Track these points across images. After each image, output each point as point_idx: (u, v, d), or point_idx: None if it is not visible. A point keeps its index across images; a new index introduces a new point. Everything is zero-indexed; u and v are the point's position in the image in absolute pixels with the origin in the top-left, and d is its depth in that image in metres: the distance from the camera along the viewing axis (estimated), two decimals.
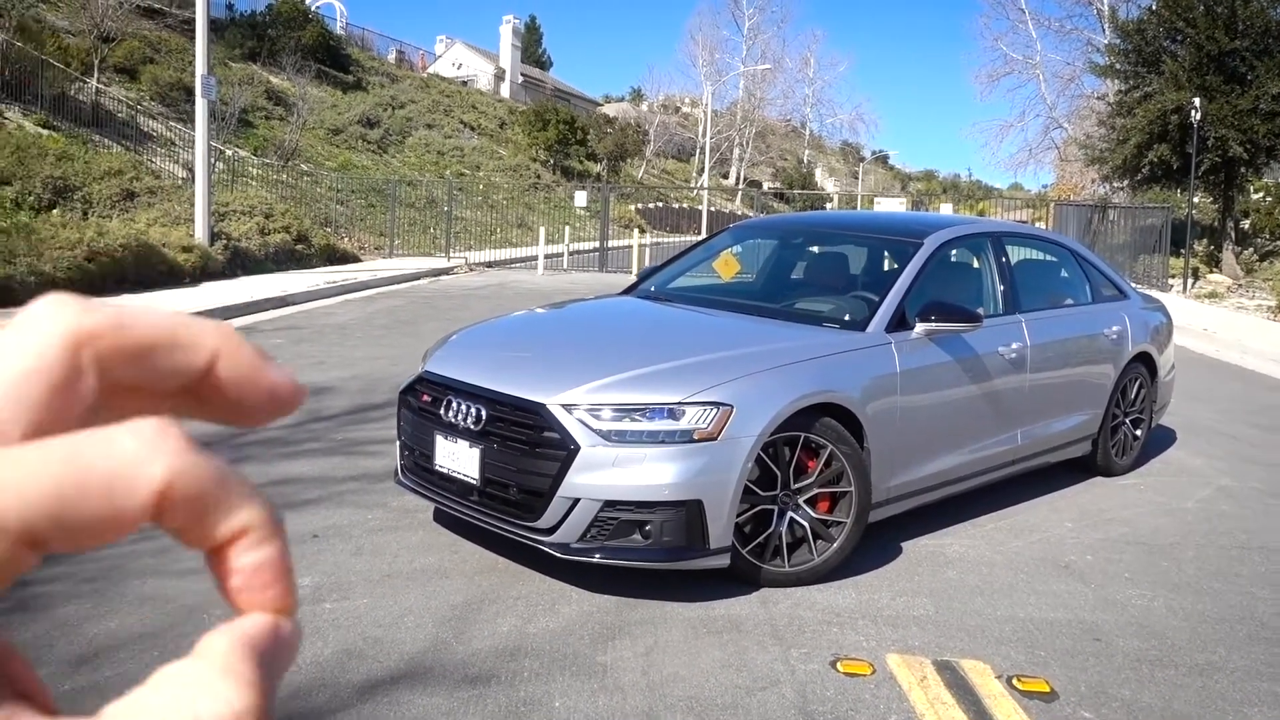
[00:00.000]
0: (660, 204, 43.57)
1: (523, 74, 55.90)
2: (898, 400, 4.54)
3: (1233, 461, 6.74)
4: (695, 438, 3.85)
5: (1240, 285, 23.05)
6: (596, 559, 3.87)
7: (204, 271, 15.15)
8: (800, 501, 4.16)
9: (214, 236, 16.25)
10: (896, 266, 5.23)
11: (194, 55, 16.55)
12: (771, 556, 4.11)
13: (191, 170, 18.81)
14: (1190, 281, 22.86)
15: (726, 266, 6.65)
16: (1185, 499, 5.79)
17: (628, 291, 5.98)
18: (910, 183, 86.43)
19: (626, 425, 3.87)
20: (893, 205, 27.87)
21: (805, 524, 4.16)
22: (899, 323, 4.75)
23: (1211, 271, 24.95)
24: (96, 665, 3.18)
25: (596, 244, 25.48)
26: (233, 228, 17.46)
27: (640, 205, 41.47)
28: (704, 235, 23.51)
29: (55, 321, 0.27)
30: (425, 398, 4.44)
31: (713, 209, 43.75)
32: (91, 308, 0.27)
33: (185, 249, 14.94)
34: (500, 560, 4.28)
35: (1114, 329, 6.15)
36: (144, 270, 13.60)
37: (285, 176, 25.14)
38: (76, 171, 17.04)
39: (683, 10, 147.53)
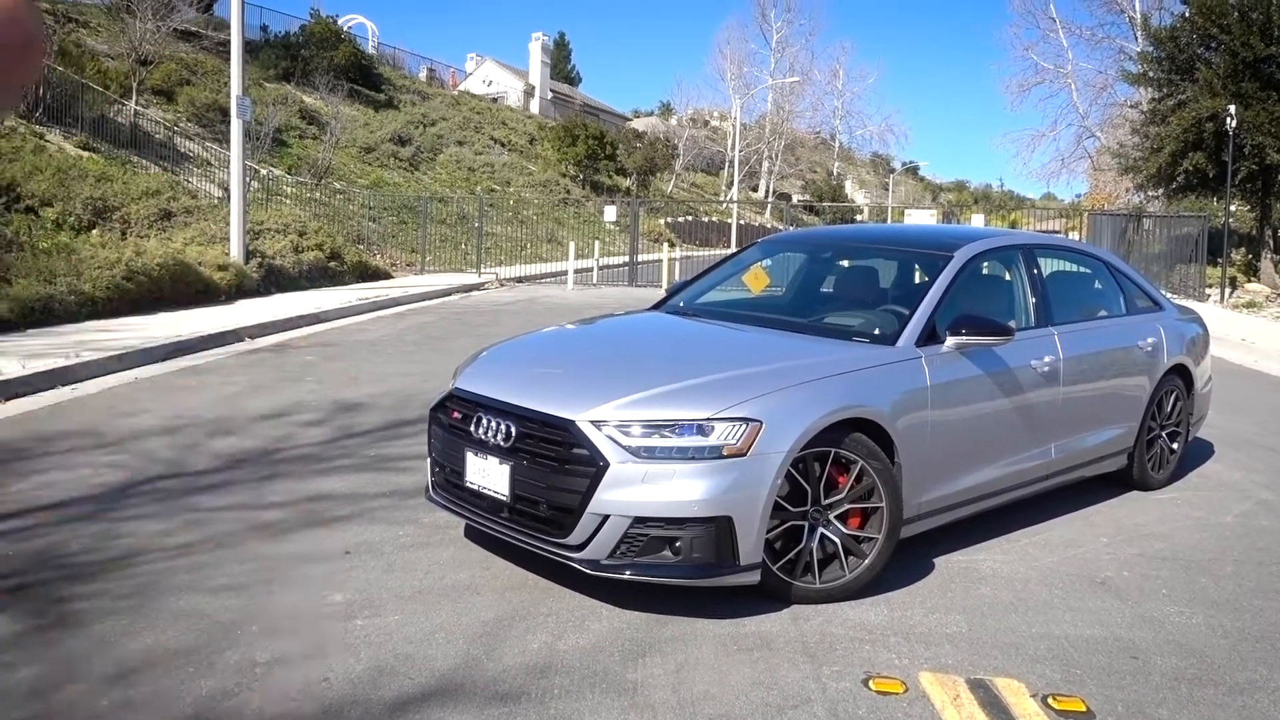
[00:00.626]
0: (689, 218, 43.60)
1: (552, 90, 56.27)
2: (929, 415, 4.50)
3: (1272, 475, 6.63)
4: (725, 453, 3.84)
5: (1279, 295, 22.68)
6: (626, 576, 3.87)
7: (239, 289, 15.35)
8: (831, 517, 4.14)
9: (249, 255, 16.47)
10: (926, 280, 5.20)
11: (229, 76, 16.82)
12: (802, 573, 4.09)
13: (227, 190, 19.07)
14: (1228, 291, 22.54)
15: (756, 280, 6.64)
16: (1224, 513, 5.70)
17: (657, 307, 5.99)
18: (941, 194, 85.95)
19: (656, 441, 3.87)
20: (923, 217, 27.72)
21: (836, 540, 4.13)
22: (929, 336, 4.72)
23: (1249, 281, 24.57)
24: (133, 682, 3.22)
25: (626, 258, 25.53)
26: (267, 246, 17.69)
27: (670, 219, 41.53)
28: (733, 249, 23.51)
29: None
30: (456, 415, 4.47)
31: (742, 222, 43.70)
32: None
33: (221, 267, 15.15)
34: (531, 577, 4.29)
35: (1149, 341, 6.08)
36: (180, 289, 13.80)
37: (318, 195, 25.43)
38: (115, 192, 17.33)
39: (710, 24, 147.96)
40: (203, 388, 8.44)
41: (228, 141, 18.41)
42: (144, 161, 21.50)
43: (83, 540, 4.55)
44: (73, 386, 8.29)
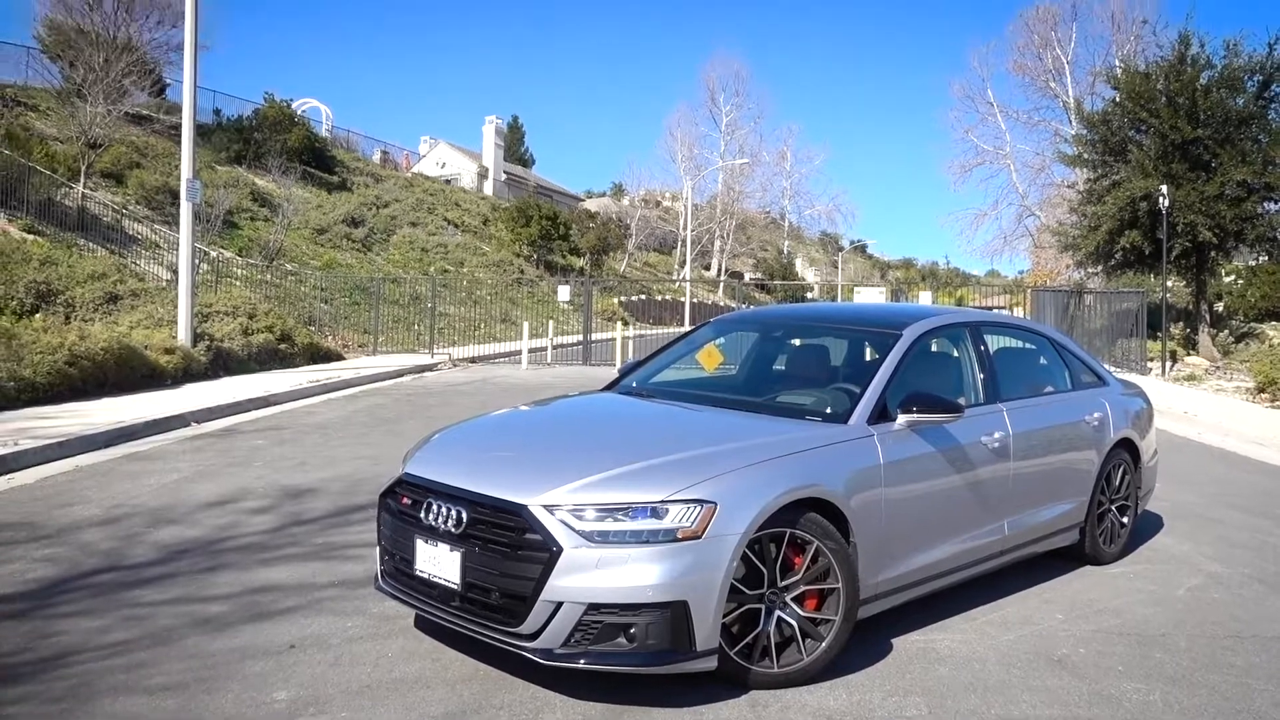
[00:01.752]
0: (643, 297, 43.95)
1: (505, 172, 56.89)
2: (883, 493, 4.50)
3: (1221, 546, 6.71)
4: (679, 536, 3.80)
5: (1218, 367, 23.28)
6: (581, 665, 3.78)
7: (186, 373, 15.10)
8: (788, 599, 4.09)
9: (197, 337, 16.25)
10: (877, 358, 5.24)
11: (180, 159, 16.79)
12: (760, 657, 4.03)
13: (175, 272, 18.89)
14: (1168, 364, 23.08)
15: (710, 358, 6.67)
16: (1175, 587, 5.73)
17: (610, 387, 5.97)
18: (889, 271, 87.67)
19: (609, 525, 3.82)
20: (872, 294, 28.21)
21: (793, 622, 4.08)
22: (881, 414, 4.74)
23: (1189, 354, 25.22)
24: None
25: (580, 337, 25.59)
26: (216, 328, 17.48)
27: (623, 298, 41.81)
28: (687, 327, 23.69)
29: None
30: (405, 500, 4.38)
31: (695, 300, 44.14)
32: None
33: (168, 350, 14.92)
34: (483, 668, 4.17)
35: (1095, 415, 6.17)
36: (125, 373, 13.55)
37: (269, 276, 25.29)
38: (60, 275, 17.10)
39: (661, 108, 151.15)
40: (146, 475, 8.23)
41: (177, 224, 18.29)
42: (91, 244, 21.28)
43: (13, 640, 4.36)
44: (8, 476, 8.05)
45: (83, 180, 22.88)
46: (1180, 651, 4.64)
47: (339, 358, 21.32)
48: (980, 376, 5.59)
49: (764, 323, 6.65)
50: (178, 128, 19.30)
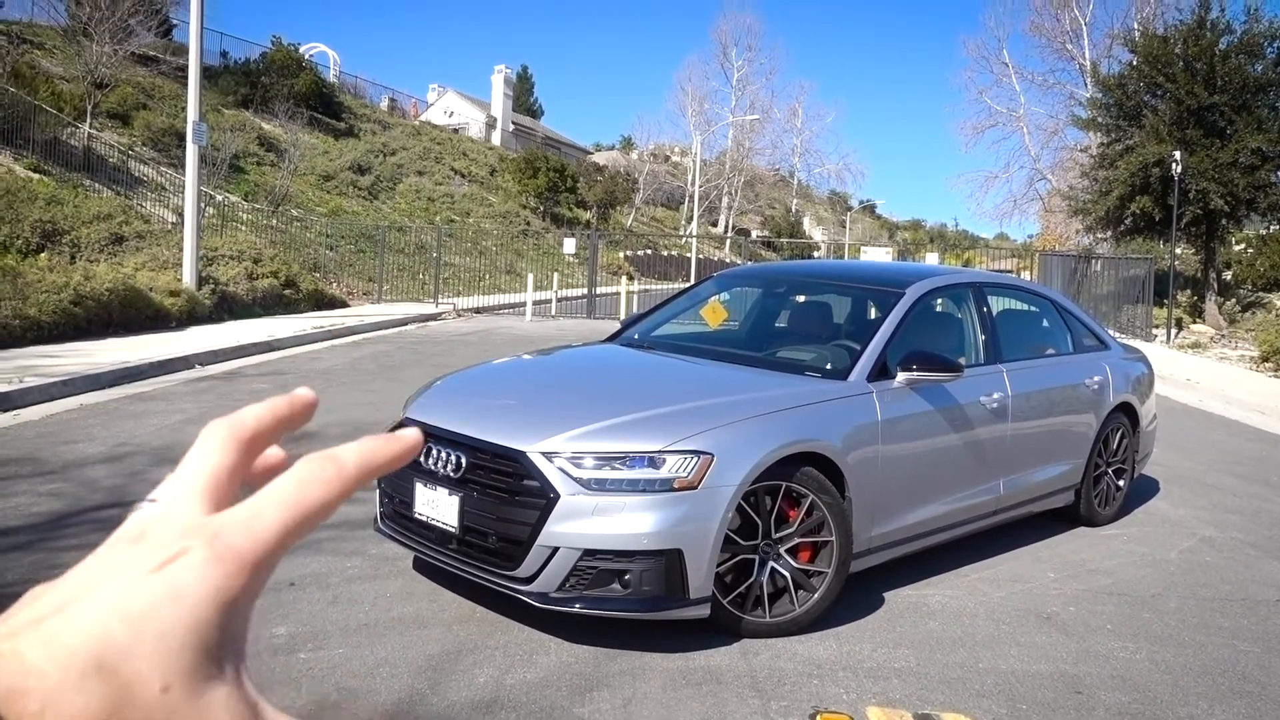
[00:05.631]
0: (649, 251, 43.80)
1: (514, 122, 56.42)
2: (879, 449, 4.53)
3: (1215, 512, 6.75)
4: (675, 486, 3.84)
5: (1223, 335, 23.22)
6: (576, 609, 3.84)
7: (190, 315, 15.13)
8: (781, 551, 4.14)
9: (202, 281, 16.25)
10: (879, 315, 5.25)
11: (187, 101, 16.67)
12: (752, 607, 4.08)
13: (181, 215, 18.83)
14: (1174, 332, 23.02)
15: (714, 314, 6.67)
16: (1168, 550, 5.78)
17: (612, 339, 5.99)
18: (897, 232, 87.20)
19: (607, 474, 3.86)
20: (878, 254, 28.10)
21: (786, 574, 4.14)
22: (881, 372, 4.76)
23: (1195, 322, 25.15)
24: None
25: (585, 290, 25.55)
26: (221, 272, 17.47)
27: (629, 252, 41.67)
28: (692, 283, 23.66)
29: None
30: None
31: (701, 257, 43.99)
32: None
33: (172, 293, 14.93)
34: (479, 609, 4.24)
35: (1095, 379, 6.18)
36: (130, 314, 13.57)
37: (275, 222, 25.21)
38: (66, 215, 17.06)
39: (672, 61, 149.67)
40: (149, 415, 8.28)
41: (183, 166, 18.20)
42: (97, 185, 21.21)
43: (18, 570, 4.42)
44: (14, 413, 8.10)
45: (88, 120, 22.75)
46: (1169, 612, 4.70)
47: (343, 305, 21.32)
48: (982, 337, 5.60)
49: (767, 278, 6.65)
50: (184, 69, 19.12)
